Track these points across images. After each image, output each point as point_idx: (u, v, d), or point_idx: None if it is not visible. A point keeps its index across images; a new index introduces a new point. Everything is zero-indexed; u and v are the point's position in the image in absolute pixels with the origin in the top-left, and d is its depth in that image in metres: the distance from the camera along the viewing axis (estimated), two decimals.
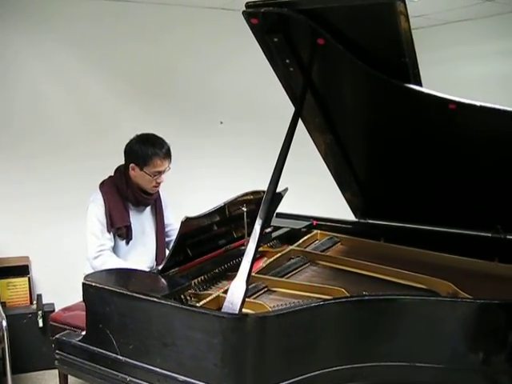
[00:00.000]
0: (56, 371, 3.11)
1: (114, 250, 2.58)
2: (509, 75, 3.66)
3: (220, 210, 2.11)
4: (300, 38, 1.68)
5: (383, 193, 2.57)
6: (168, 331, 1.58)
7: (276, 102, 3.61)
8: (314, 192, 3.26)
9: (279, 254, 2.39)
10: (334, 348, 1.60)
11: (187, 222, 1.89)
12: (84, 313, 2.64)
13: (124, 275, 1.93)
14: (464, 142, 1.96)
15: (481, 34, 3.78)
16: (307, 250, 2.54)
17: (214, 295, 1.87)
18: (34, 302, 3.20)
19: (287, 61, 1.76)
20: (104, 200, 2.54)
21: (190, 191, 3.53)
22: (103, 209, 2.53)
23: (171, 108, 3.53)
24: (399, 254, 2.49)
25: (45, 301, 3.24)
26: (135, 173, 2.56)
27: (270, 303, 1.90)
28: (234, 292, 1.58)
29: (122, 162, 2.67)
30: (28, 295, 3.23)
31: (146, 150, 2.53)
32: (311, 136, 2.20)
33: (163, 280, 1.86)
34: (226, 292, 1.91)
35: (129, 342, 1.67)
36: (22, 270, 3.24)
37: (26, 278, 3.22)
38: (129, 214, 2.61)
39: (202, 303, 1.80)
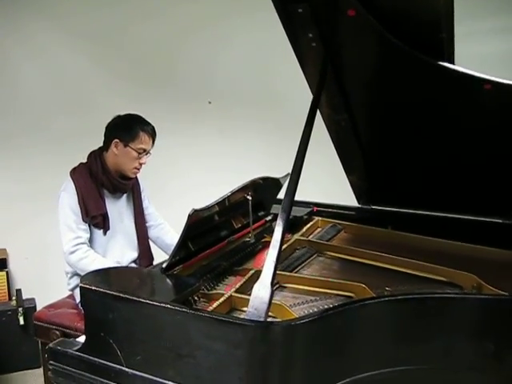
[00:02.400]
0: (39, 371, 2.96)
1: (91, 241, 2.39)
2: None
3: (227, 200, 1.92)
4: (328, 9, 1.49)
5: (392, 177, 2.42)
6: (183, 341, 1.40)
7: (267, 81, 3.46)
8: (312, 176, 3.09)
9: (285, 246, 2.22)
10: (370, 352, 1.45)
11: (195, 215, 1.70)
12: (71, 310, 2.50)
13: (126, 276, 1.73)
14: (491, 126, 1.82)
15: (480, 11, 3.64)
16: (312, 239, 2.39)
17: (226, 295, 1.69)
18: (13, 298, 2.97)
19: (310, 35, 1.57)
20: (76, 187, 2.35)
21: (174, 173, 3.34)
22: (76, 197, 2.34)
23: (157, 86, 3.30)
24: (410, 243, 2.35)
25: (25, 296, 3.02)
26: (118, 151, 2.37)
27: (285, 301, 1.74)
28: (258, 296, 1.41)
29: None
30: (6, 290, 3.01)
31: (133, 124, 2.38)
32: (322, 115, 2.02)
33: (170, 280, 1.67)
34: (237, 291, 1.76)
35: (136, 353, 1.48)
36: None
37: (4, 273, 3.00)
38: (104, 202, 2.42)
39: (214, 306, 1.62)
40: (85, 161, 2.46)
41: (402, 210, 2.52)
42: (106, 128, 2.44)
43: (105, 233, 2.41)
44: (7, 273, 3.00)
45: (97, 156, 2.42)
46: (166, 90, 3.31)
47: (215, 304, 1.63)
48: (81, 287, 1.55)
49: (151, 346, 1.46)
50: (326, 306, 1.77)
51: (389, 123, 2.01)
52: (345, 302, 1.59)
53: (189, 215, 1.69)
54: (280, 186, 2.54)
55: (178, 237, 1.75)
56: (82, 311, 2.36)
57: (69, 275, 2.46)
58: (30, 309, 2.90)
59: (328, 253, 2.28)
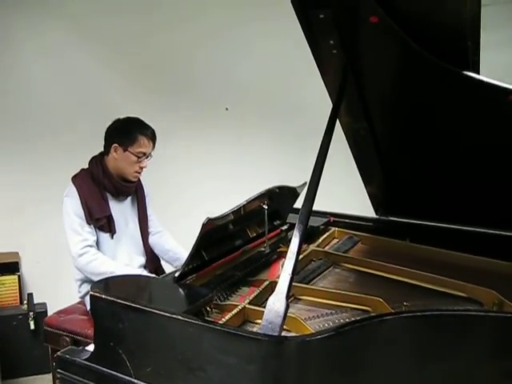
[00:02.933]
0: (48, 376, 2.93)
1: (100, 245, 2.38)
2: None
3: (242, 209, 1.88)
4: (350, 15, 1.45)
5: (411, 188, 2.36)
6: (195, 354, 1.36)
7: (285, 88, 3.42)
8: (328, 186, 3.04)
9: (301, 256, 2.17)
10: (388, 370, 1.39)
11: (209, 224, 1.66)
12: (82, 317, 2.47)
13: (137, 284, 1.69)
14: None
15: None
16: (329, 250, 2.33)
17: (239, 307, 1.65)
18: (25, 302, 2.95)
19: (331, 41, 1.53)
20: (78, 191, 2.34)
21: (190, 181, 3.30)
22: (78, 201, 2.33)
23: (173, 93, 3.27)
24: (428, 256, 2.29)
25: (36, 300, 3.00)
26: (117, 155, 2.36)
27: (300, 315, 1.69)
28: (273, 309, 1.36)
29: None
30: (18, 294, 2.99)
31: (132, 128, 2.37)
32: (341, 123, 1.97)
33: (182, 290, 1.63)
34: (251, 302, 1.71)
35: (146, 364, 1.44)
36: (11, 267, 3.01)
37: (16, 276, 2.98)
38: (108, 204, 2.40)
39: (227, 317, 1.57)
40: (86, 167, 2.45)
41: (421, 221, 2.46)
42: (106, 132, 2.44)
43: (112, 236, 2.39)
44: (19, 276, 2.98)
45: (97, 160, 2.42)
46: (182, 97, 3.28)
47: (228, 316, 1.58)
48: (91, 295, 1.51)
49: (162, 357, 1.41)
50: (341, 320, 1.73)
51: (408, 132, 1.96)
52: (363, 318, 1.53)
53: (203, 224, 1.66)
54: (296, 196, 2.50)
55: (192, 245, 1.71)
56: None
57: (79, 282, 2.43)
58: (40, 313, 2.88)
59: (344, 265, 2.23)
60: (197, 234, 1.76)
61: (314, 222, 2.64)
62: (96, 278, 2.26)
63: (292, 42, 3.42)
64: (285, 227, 2.51)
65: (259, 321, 1.65)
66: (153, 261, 2.53)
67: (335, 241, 2.56)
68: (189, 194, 3.17)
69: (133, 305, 1.43)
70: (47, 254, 3.12)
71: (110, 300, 1.48)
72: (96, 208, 2.33)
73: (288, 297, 1.39)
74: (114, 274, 2.17)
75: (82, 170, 2.44)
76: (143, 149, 2.36)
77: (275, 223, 2.48)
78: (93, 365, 1.54)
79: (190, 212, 3.24)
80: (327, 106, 3.39)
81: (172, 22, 3.19)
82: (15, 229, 3.08)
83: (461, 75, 1.48)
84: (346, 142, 2.19)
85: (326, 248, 2.41)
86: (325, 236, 2.51)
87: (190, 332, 1.36)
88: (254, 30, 3.29)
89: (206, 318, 1.60)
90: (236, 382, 1.32)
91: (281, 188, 2.24)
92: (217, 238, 1.97)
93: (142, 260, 2.49)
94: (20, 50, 3.05)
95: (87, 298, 2.41)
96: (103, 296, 1.49)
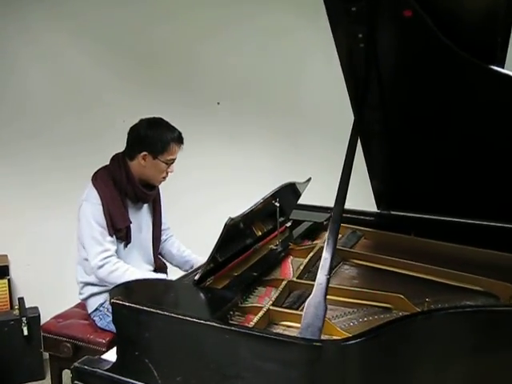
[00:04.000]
0: (44, 382, 2.83)
1: None
2: None
3: (259, 207, 1.83)
4: (384, 8, 1.41)
5: (415, 182, 2.35)
6: (230, 361, 1.30)
7: (277, 82, 3.37)
8: (327, 180, 3.00)
9: (312, 254, 2.14)
10: (430, 367, 1.37)
11: (231, 224, 1.60)
12: (82, 321, 2.38)
13: (157, 289, 1.62)
14: None
15: None
16: (337, 246, 2.30)
17: (263, 309, 1.60)
18: (16, 307, 2.82)
19: (360, 35, 1.49)
20: (101, 198, 2.20)
21: (181, 179, 3.21)
22: (101, 208, 2.19)
23: (163, 88, 3.17)
24: (435, 250, 2.27)
25: (27, 305, 2.88)
26: (146, 163, 2.23)
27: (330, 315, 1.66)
28: (312, 312, 1.32)
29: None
30: (8, 299, 2.86)
31: (162, 135, 2.22)
32: (354, 112, 1.90)
33: (206, 294, 1.57)
34: (275, 303, 1.67)
35: (175, 373, 1.38)
36: (0, 271, 2.87)
37: (5, 280, 2.85)
38: (128, 213, 2.29)
39: (255, 321, 1.52)
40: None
41: (424, 215, 2.46)
42: (131, 136, 2.28)
43: (126, 246, 2.29)
44: (9, 280, 2.85)
45: (121, 162, 2.27)
46: (174, 92, 3.18)
47: (255, 319, 1.53)
48: (113, 303, 1.44)
49: (193, 366, 1.36)
50: (365, 319, 1.70)
51: (423, 126, 1.94)
52: (404, 316, 1.48)
53: (225, 224, 1.60)
54: (300, 192, 2.46)
55: (212, 248, 1.64)
56: (94, 322, 2.32)
57: (81, 285, 2.33)
58: (33, 318, 2.76)
59: (354, 260, 2.21)
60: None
61: (317, 217, 2.61)
62: None
63: (286, 37, 3.41)
64: (289, 224, 2.46)
65: (284, 322, 1.62)
66: (161, 269, 2.45)
67: (339, 236, 2.53)
68: (177, 187, 3.07)
69: (162, 312, 1.37)
70: (38, 257, 3.00)
71: (136, 308, 1.41)
72: (119, 218, 2.20)
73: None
74: None
75: (102, 169, 2.29)
76: (173, 155, 2.25)
77: (280, 220, 2.43)
78: (116, 376, 1.47)
79: (183, 208, 3.18)
80: (321, 101, 3.41)
81: (164, 16, 3.09)
82: (3, 231, 2.94)
83: (490, 70, 1.46)
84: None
85: None
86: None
87: (225, 339, 1.30)
88: (248, 26, 3.23)
89: (231, 322, 1.55)
90: None
91: (288, 185, 2.19)
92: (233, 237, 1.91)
93: (150, 268, 2.40)
94: (13, 49, 2.91)
95: (90, 301, 2.33)
96: (127, 303, 1.42)
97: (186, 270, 2.53)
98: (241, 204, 3.27)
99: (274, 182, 3.36)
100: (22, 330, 2.72)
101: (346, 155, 1.59)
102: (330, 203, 2.68)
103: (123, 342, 1.47)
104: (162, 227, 2.52)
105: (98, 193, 2.20)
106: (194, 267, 2.46)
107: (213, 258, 1.66)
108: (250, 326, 1.51)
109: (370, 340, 1.29)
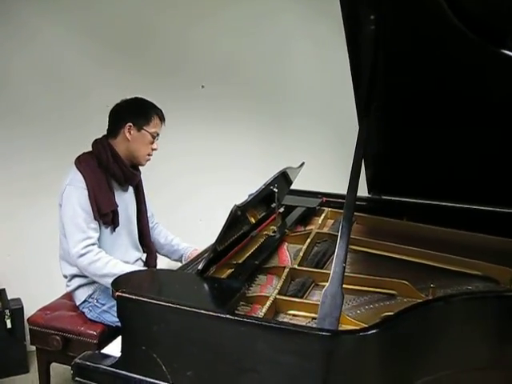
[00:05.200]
0: (27, 376, 2.75)
1: (99, 241, 2.17)
2: None
3: (264, 194, 1.78)
4: None
5: (409, 166, 2.33)
6: (246, 354, 1.26)
7: (263, 65, 3.30)
8: (316, 165, 2.96)
9: (309, 240, 2.11)
10: (448, 352, 1.36)
11: (238, 211, 1.55)
12: (71, 313, 2.30)
13: (162, 280, 1.56)
14: None
15: None
16: (333, 232, 2.28)
17: (270, 299, 1.56)
18: None
19: (372, 17, 1.44)
20: (86, 181, 2.11)
21: (165, 165, 3.14)
22: (85, 192, 2.10)
23: (145, 70, 3.06)
24: (428, 235, 2.27)
25: (9, 297, 2.77)
26: (131, 135, 2.17)
27: None
28: (329, 302, 1.28)
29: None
30: None
31: (146, 106, 2.20)
32: (361, 98, 1.86)
33: (213, 285, 1.51)
34: (280, 293, 1.63)
35: (186, 368, 1.33)
36: None
37: None
38: (114, 196, 2.22)
39: (264, 311, 1.48)
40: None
41: (415, 200, 2.45)
42: (114, 113, 2.23)
43: (113, 230, 2.20)
44: None
45: (104, 144, 2.19)
46: (155, 75, 3.08)
47: (264, 309, 1.49)
48: (118, 296, 1.38)
49: (205, 360, 1.31)
50: (371, 306, 1.68)
51: (423, 111, 1.92)
52: (422, 302, 1.46)
53: (231, 212, 1.55)
54: (293, 178, 2.42)
55: (216, 236, 1.59)
56: (84, 314, 2.24)
57: (69, 276, 2.24)
58: (17, 310, 2.66)
59: (351, 246, 2.18)
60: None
61: (308, 202, 2.58)
62: (97, 279, 2.11)
63: (272, 20, 3.33)
64: (281, 210, 2.42)
65: (291, 311, 1.59)
66: (151, 256, 2.37)
67: (330, 221, 2.51)
68: (160, 174, 3.00)
69: (172, 305, 1.31)
70: (18, 247, 2.88)
71: (143, 301, 1.35)
72: (105, 201, 2.12)
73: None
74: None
75: (85, 153, 2.21)
76: (157, 129, 2.21)
77: (272, 206, 2.39)
78: (121, 371, 1.41)
79: (167, 195, 3.10)
80: (307, 84, 3.36)
81: (148, 1, 2.99)
82: None
83: (500, 54, 1.44)
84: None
85: (325, 229, 2.37)
86: (322, 217, 2.45)
87: (241, 331, 1.26)
88: (234, 9, 3.15)
89: (236, 312, 1.50)
90: (294, 380, 1.24)
91: (284, 170, 2.15)
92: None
93: (138, 255, 2.33)
94: None
95: (78, 293, 2.25)
96: (134, 297, 1.36)
97: (176, 260, 2.47)
98: (227, 189, 3.25)
99: (261, 166, 3.34)
100: (5, 323, 2.61)
101: (358, 142, 1.54)
102: (319, 188, 2.72)
103: (129, 337, 1.41)
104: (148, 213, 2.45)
105: (83, 176, 2.12)
106: (185, 257, 2.42)
107: (216, 246, 1.61)
108: (258, 316, 1.48)
109: (388, 329, 1.28)
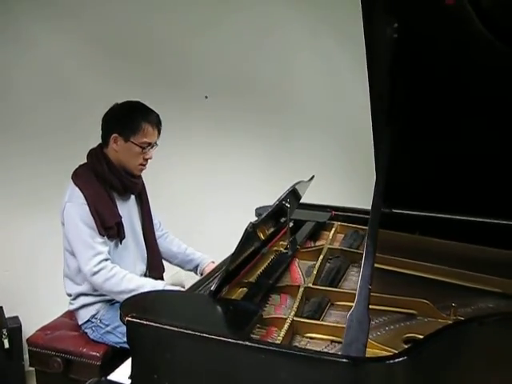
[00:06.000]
0: None
1: None
2: None
3: (279, 210, 1.70)
4: None
5: (421, 179, 2.26)
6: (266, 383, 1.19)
7: (267, 76, 3.24)
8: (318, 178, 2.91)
9: (322, 257, 2.03)
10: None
11: (253, 229, 1.48)
12: (72, 333, 2.21)
13: (174, 304, 1.47)
14: None
15: None
16: (345, 248, 2.20)
17: (287, 321, 1.48)
18: None
19: (395, 25, 1.38)
20: (85, 196, 2.03)
21: (167, 174, 3.07)
22: (87, 207, 2.02)
23: (148, 81, 3.00)
24: (444, 250, 2.20)
25: (6, 315, 2.68)
26: (118, 146, 2.08)
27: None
28: (355, 327, 1.20)
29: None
30: None
31: (134, 114, 2.08)
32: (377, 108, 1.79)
33: (226, 307, 1.43)
34: (296, 314, 1.55)
35: None
36: None
37: None
38: (117, 207, 2.14)
39: (282, 335, 1.40)
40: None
41: (428, 213, 2.38)
42: (103, 120, 2.15)
43: (119, 243, 2.13)
44: None
45: (98, 154, 2.12)
46: (158, 85, 3.02)
47: (282, 333, 1.41)
48: (128, 321, 1.29)
49: None
50: (391, 327, 1.60)
51: (439, 121, 1.85)
52: (453, 324, 1.40)
53: (246, 229, 1.47)
54: (302, 192, 2.34)
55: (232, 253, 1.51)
56: (86, 334, 2.16)
57: (73, 295, 2.16)
58: (14, 329, 2.56)
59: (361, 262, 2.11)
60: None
61: (317, 216, 2.51)
62: (114, 296, 2.04)
63: (276, 31, 3.28)
64: (291, 225, 2.34)
65: (309, 334, 1.51)
66: (157, 268, 2.28)
67: (340, 236, 2.44)
68: (162, 185, 2.93)
69: (188, 331, 1.23)
70: (16, 263, 2.79)
71: (156, 326, 1.27)
72: (108, 214, 2.04)
73: (369, 310, 1.24)
74: (134, 292, 1.94)
75: (81, 166, 2.13)
76: (148, 138, 2.09)
77: (281, 220, 2.32)
78: None
79: (168, 207, 3.02)
80: (311, 96, 3.30)
81: (152, 9, 2.93)
82: None
83: None
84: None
85: (336, 244, 2.29)
86: (332, 232, 2.38)
87: (261, 359, 1.18)
88: (238, 19, 3.10)
89: (252, 336, 1.42)
90: None
91: (296, 184, 2.08)
92: None
93: (144, 267, 2.25)
94: None
95: (81, 312, 2.16)
96: (145, 322, 1.28)
97: (190, 270, 2.40)
98: (230, 200, 3.18)
99: (265, 178, 3.28)
100: (3, 343, 2.51)
101: (377, 154, 1.47)
102: (323, 201, 2.65)
103: (140, 364, 1.32)
104: (154, 221, 2.37)
105: (81, 191, 2.05)
106: (200, 268, 2.34)
107: (229, 266, 1.53)
108: (275, 339, 1.40)
109: (418, 354, 1.20)
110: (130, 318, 1.29)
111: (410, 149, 2.15)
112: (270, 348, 1.17)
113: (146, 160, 2.13)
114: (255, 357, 1.18)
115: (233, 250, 2.37)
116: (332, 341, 1.48)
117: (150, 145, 2.11)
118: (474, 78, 1.55)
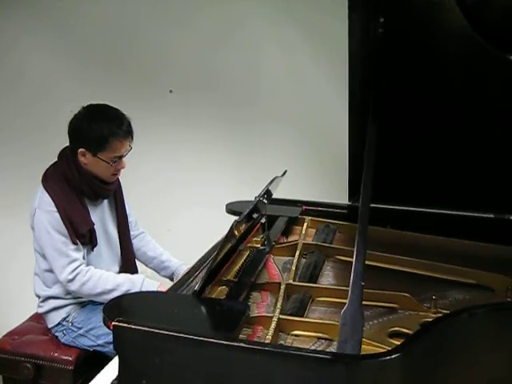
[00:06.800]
0: None
1: None
2: None
3: (258, 206, 1.68)
4: None
5: (396, 172, 2.27)
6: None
7: (233, 68, 3.20)
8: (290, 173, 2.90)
9: (298, 252, 2.03)
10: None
11: (236, 228, 1.45)
12: (42, 337, 2.13)
13: (158, 306, 1.41)
14: None
15: None
16: (320, 243, 2.20)
17: (274, 320, 1.46)
18: None
19: (381, 19, 1.37)
20: (55, 203, 1.94)
21: (135, 172, 2.98)
22: (57, 215, 1.94)
23: (110, 75, 2.91)
24: (417, 243, 2.22)
25: None
26: (86, 160, 1.98)
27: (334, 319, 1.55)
28: (349, 324, 1.20)
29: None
30: None
31: (99, 129, 1.94)
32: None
33: (212, 308, 1.40)
34: (282, 312, 1.54)
35: None
36: None
37: None
38: (89, 213, 2.06)
39: (270, 334, 1.38)
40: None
41: (399, 207, 2.41)
42: (69, 131, 2.02)
43: (91, 250, 2.05)
44: None
45: (69, 158, 2.02)
46: (121, 79, 2.94)
47: (270, 332, 1.39)
48: (115, 326, 1.24)
49: None
50: (375, 321, 1.61)
51: (421, 114, 1.86)
52: (444, 316, 1.41)
53: (231, 228, 1.44)
54: (274, 186, 2.33)
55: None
56: (57, 338, 2.08)
57: (41, 298, 2.08)
58: None
59: (338, 257, 2.12)
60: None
61: (288, 211, 2.50)
62: (94, 299, 1.99)
63: (243, 25, 3.24)
64: (263, 220, 2.32)
65: (296, 332, 1.50)
66: (131, 269, 2.21)
67: (312, 231, 2.43)
68: (131, 182, 2.85)
69: (178, 334, 1.19)
70: None
71: (144, 330, 1.22)
72: (80, 221, 1.96)
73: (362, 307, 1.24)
74: (113, 291, 1.90)
75: (51, 168, 2.03)
76: (117, 153, 1.98)
77: (254, 216, 2.29)
78: None
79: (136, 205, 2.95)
80: (277, 91, 3.28)
81: (116, 2, 2.84)
82: None
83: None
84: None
85: (308, 239, 2.29)
86: (304, 226, 2.38)
87: (256, 360, 1.16)
88: (205, 12, 3.04)
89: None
90: None
91: (272, 180, 2.07)
92: None
93: (117, 269, 2.18)
94: None
95: (50, 315, 2.08)
96: (133, 326, 1.23)
97: (165, 276, 2.34)
98: (197, 197, 3.14)
99: (233, 174, 3.25)
100: None
101: (368, 150, 1.47)
102: (291, 195, 2.65)
103: (127, 370, 1.27)
104: (129, 219, 2.30)
105: (51, 197, 1.95)
106: (176, 275, 2.28)
107: (212, 265, 1.50)
108: (262, 339, 1.39)
109: (411, 349, 1.21)
110: (116, 323, 1.24)
111: (394, 143, 2.16)
112: (265, 349, 1.16)
113: (118, 170, 2.05)
114: (249, 358, 1.16)
115: (203, 247, 2.38)
116: (319, 338, 1.47)
117: (121, 157, 2.01)
118: (459, 74, 1.57)
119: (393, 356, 1.17)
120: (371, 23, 1.39)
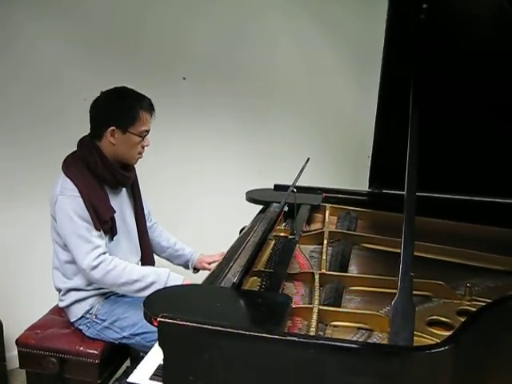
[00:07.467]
0: None
1: None
2: None
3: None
4: None
5: (436, 160, 2.23)
6: (316, 379, 1.15)
7: (248, 58, 3.15)
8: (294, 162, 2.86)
9: (325, 241, 2.01)
10: None
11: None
12: (65, 330, 2.11)
13: (201, 300, 1.39)
14: None
15: None
16: (346, 231, 2.18)
17: (315, 311, 1.44)
18: None
19: (424, 5, 1.33)
20: (79, 188, 1.90)
21: (146, 160, 2.94)
22: (81, 200, 1.90)
23: (123, 62, 2.84)
24: (439, 229, 2.20)
25: None
26: (116, 139, 1.96)
27: (371, 309, 1.54)
28: (400, 315, 1.18)
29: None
30: None
31: (129, 104, 1.95)
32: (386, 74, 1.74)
33: (255, 300, 1.38)
34: (320, 303, 1.52)
35: None
36: None
37: None
38: (109, 200, 2.04)
39: (314, 326, 1.37)
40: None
41: (420, 193, 2.39)
42: (93, 113, 2.00)
43: (111, 238, 2.02)
44: None
45: (90, 146, 1.98)
46: (133, 66, 2.87)
47: (313, 324, 1.38)
48: (160, 322, 1.22)
49: None
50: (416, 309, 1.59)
51: (452, 101, 1.83)
52: (494, 302, 1.38)
53: (273, 218, 1.41)
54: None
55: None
56: (81, 331, 2.06)
57: (62, 291, 2.04)
58: None
59: (364, 245, 2.10)
60: None
61: (310, 199, 2.47)
62: (116, 289, 1.95)
63: (257, 15, 3.18)
64: (286, 209, 2.29)
65: (336, 323, 1.48)
66: (148, 261, 2.18)
67: (333, 218, 2.41)
68: (146, 173, 2.82)
69: (227, 329, 1.17)
70: None
71: (192, 326, 1.20)
72: (102, 208, 1.92)
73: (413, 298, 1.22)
74: (138, 282, 1.87)
75: (71, 156, 1.99)
76: (146, 126, 1.97)
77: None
78: None
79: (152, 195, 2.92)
80: (291, 81, 3.24)
81: None
82: None
83: None
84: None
85: (331, 227, 2.26)
86: (327, 214, 2.35)
87: (309, 355, 1.14)
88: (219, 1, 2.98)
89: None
90: None
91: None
92: None
93: (136, 260, 2.15)
94: None
95: (73, 309, 2.05)
96: (180, 322, 1.20)
97: (179, 265, 2.33)
98: (210, 185, 3.11)
99: (245, 164, 3.22)
100: None
101: (411, 137, 1.44)
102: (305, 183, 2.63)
103: (174, 367, 1.24)
104: (144, 211, 2.28)
105: (74, 183, 1.91)
106: (192, 263, 2.28)
107: (251, 256, 1.47)
108: (303, 330, 1.38)
109: (461, 340, 1.19)
110: (161, 319, 1.21)
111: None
112: (319, 342, 1.14)
113: (143, 148, 2.02)
114: (302, 353, 1.14)
115: (217, 236, 2.35)
116: (359, 328, 1.46)
117: (148, 132, 2.00)
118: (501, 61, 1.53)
119: (446, 347, 1.15)
120: (413, 10, 1.35)
